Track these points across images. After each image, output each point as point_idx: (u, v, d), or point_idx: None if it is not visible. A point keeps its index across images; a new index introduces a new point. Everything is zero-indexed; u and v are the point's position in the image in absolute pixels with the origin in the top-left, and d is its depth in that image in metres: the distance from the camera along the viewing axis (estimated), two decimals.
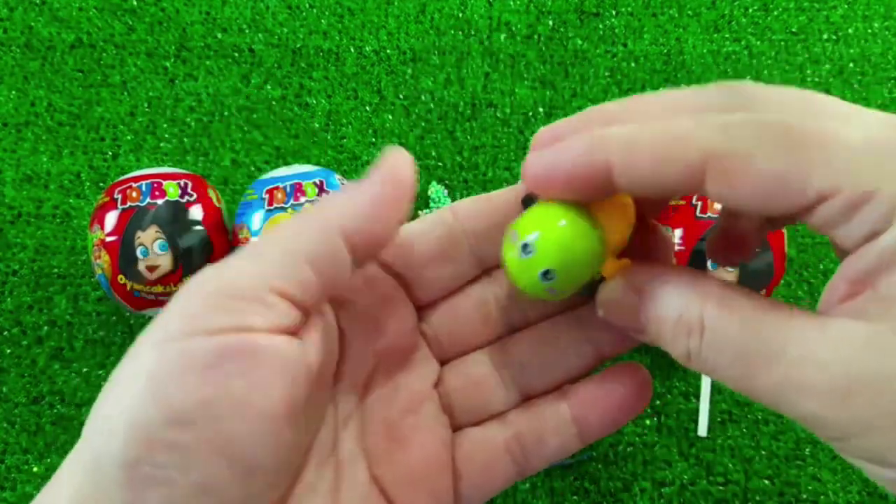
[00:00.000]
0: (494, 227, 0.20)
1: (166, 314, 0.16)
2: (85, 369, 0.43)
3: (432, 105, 0.48)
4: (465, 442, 0.21)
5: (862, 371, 0.13)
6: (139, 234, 0.38)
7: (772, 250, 0.38)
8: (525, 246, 0.17)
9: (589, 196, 0.17)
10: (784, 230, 0.40)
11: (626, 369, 0.20)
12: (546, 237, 0.17)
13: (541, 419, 0.20)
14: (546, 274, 0.17)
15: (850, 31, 0.50)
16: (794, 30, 0.50)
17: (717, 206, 0.38)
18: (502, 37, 0.50)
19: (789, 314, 0.15)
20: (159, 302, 0.39)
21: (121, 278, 0.38)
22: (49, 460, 0.42)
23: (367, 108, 0.48)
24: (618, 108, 0.16)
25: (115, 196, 0.39)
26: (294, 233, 0.17)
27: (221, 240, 0.40)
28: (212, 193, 0.41)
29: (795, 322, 0.14)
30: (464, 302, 0.21)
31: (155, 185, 0.39)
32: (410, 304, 0.21)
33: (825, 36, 0.50)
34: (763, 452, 0.43)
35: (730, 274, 0.38)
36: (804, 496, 0.43)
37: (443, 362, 0.21)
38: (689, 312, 0.16)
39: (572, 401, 0.20)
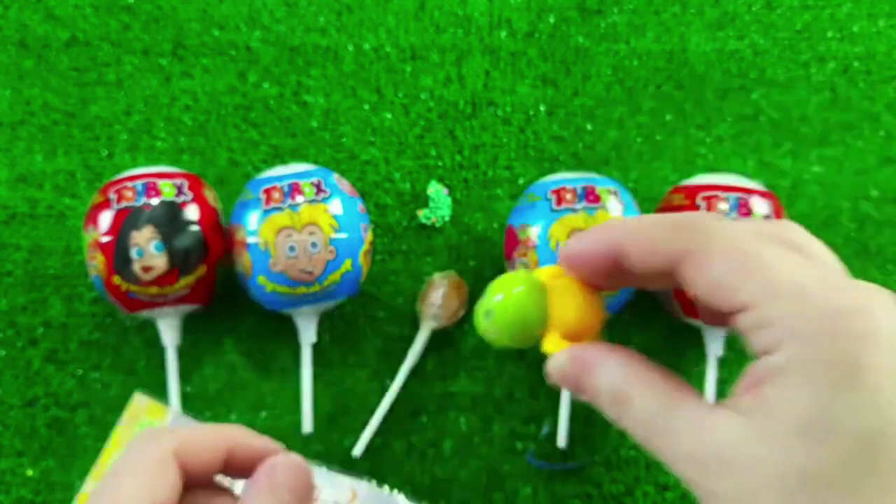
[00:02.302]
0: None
1: None
2: (80, 371, 0.43)
3: (432, 103, 0.48)
4: None
5: (732, 454, 0.18)
6: (134, 234, 0.37)
7: None
8: (485, 291, 0.23)
9: (606, 272, 0.22)
10: None
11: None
12: (496, 287, 0.23)
13: None
14: (488, 313, 0.23)
15: (855, 29, 0.49)
16: (798, 28, 0.49)
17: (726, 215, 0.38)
18: (503, 34, 0.49)
19: (692, 399, 0.20)
20: (154, 303, 0.39)
21: (116, 279, 0.38)
22: (44, 463, 0.42)
23: (366, 106, 0.48)
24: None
25: (110, 196, 0.38)
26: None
27: (217, 240, 0.40)
28: (208, 193, 0.41)
29: (692, 406, 0.20)
30: None
31: (150, 184, 0.39)
32: None
33: (830, 34, 0.49)
34: None
35: None
36: None
37: None
38: (619, 387, 0.21)
39: None
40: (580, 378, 0.22)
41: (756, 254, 0.19)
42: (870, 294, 0.18)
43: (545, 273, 0.24)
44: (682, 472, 0.19)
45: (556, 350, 0.22)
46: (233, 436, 0.24)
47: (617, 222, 0.22)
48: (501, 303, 0.22)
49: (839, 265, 0.21)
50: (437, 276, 0.42)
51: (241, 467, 0.24)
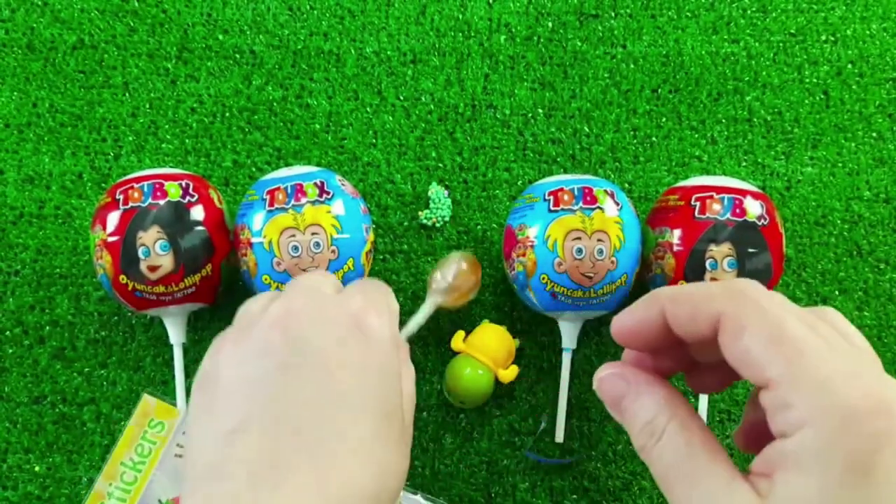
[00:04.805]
0: None
1: None
2: (87, 369, 0.44)
3: (432, 106, 0.49)
4: None
5: None
6: (141, 234, 0.38)
7: (770, 251, 0.38)
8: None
9: (656, 341, 0.23)
10: (782, 230, 0.40)
11: None
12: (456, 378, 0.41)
13: None
14: (448, 393, 0.40)
15: (848, 32, 0.50)
16: (792, 31, 0.50)
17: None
18: (502, 38, 0.50)
19: (720, 462, 0.20)
20: (161, 302, 0.39)
21: (122, 278, 0.38)
22: (50, 459, 0.42)
23: (368, 109, 0.48)
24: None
25: (117, 196, 0.39)
26: None
27: (222, 240, 0.40)
28: (213, 194, 0.41)
29: (718, 470, 0.20)
30: None
31: (156, 185, 0.39)
32: None
33: (823, 37, 0.50)
34: None
35: (728, 274, 0.38)
36: None
37: None
38: (657, 421, 0.21)
39: None
40: (622, 397, 0.23)
41: (790, 333, 0.19)
42: (894, 393, 0.18)
43: (459, 339, 0.38)
44: None
45: (509, 378, 0.37)
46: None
47: (660, 290, 0.23)
48: (450, 381, 0.40)
49: (873, 356, 0.21)
50: (455, 254, 0.41)
51: None
